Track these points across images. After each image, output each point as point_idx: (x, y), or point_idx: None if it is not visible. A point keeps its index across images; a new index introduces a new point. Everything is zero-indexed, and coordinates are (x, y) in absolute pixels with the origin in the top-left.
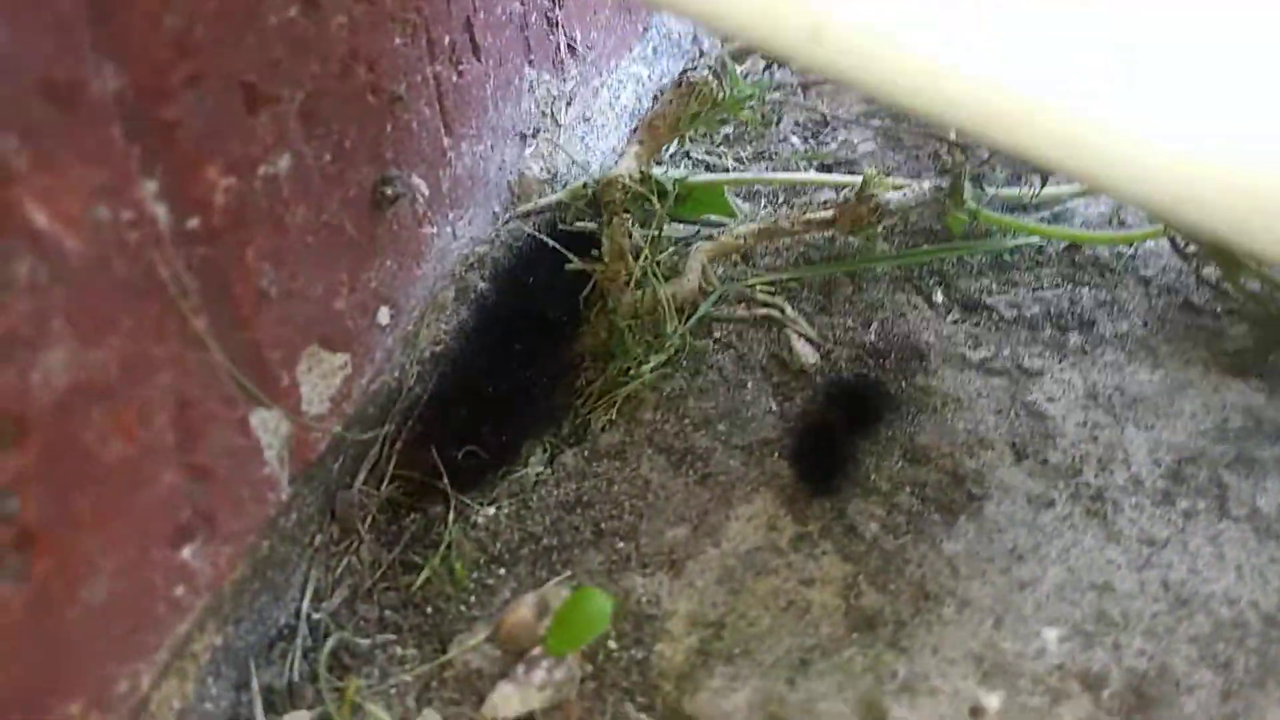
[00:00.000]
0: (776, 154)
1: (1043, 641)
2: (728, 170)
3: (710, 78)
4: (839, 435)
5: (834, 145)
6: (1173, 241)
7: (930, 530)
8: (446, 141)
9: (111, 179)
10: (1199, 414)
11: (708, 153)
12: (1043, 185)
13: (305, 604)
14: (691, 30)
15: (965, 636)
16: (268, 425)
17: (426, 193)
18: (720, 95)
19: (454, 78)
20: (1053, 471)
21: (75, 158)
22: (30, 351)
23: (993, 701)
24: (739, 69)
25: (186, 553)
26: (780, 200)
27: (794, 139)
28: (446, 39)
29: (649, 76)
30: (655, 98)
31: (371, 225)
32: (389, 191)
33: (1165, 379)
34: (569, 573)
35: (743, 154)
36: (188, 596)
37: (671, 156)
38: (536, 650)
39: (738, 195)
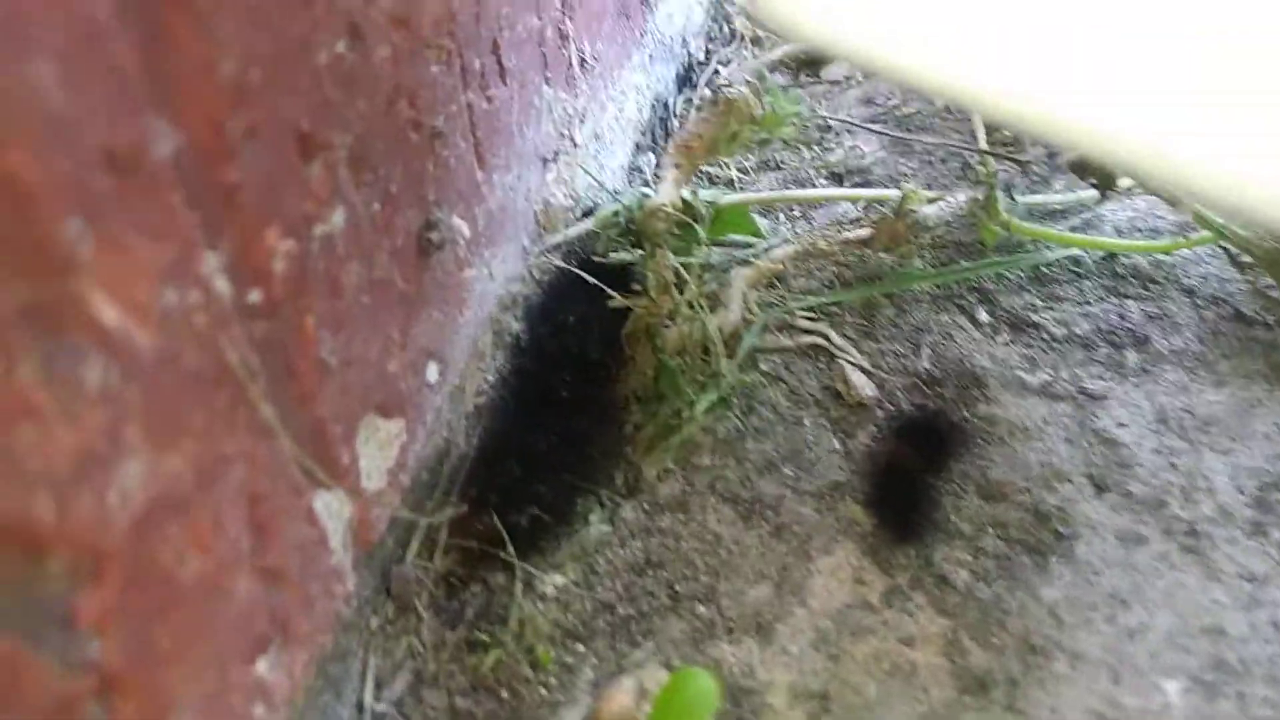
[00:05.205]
0: (782, 163)
1: (1164, 695)
2: (733, 182)
3: (749, 93)
4: (911, 475)
5: (840, 152)
6: (1227, 252)
7: (1023, 575)
8: (480, 175)
9: (177, 256)
10: (1272, 434)
11: (710, 164)
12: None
13: (367, 695)
14: (681, 34)
15: (1082, 693)
16: (331, 509)
17: (467, 234)
18: (759, 111)
19: (484, 105)
20: (1137, 504)
21: (140, 236)
22: (105, 470)
23: None
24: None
25: (263, 667)
26: (797, 214)
27: (799, 146)
28: (477, 63)
29: (646, 85)
30: (652, 107)
31: (419, 275)
32: (434, 237)
33: (1232, 398)
34: (651, 644)
35: (746, 164)
36: (266, 716)
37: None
38: None
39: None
